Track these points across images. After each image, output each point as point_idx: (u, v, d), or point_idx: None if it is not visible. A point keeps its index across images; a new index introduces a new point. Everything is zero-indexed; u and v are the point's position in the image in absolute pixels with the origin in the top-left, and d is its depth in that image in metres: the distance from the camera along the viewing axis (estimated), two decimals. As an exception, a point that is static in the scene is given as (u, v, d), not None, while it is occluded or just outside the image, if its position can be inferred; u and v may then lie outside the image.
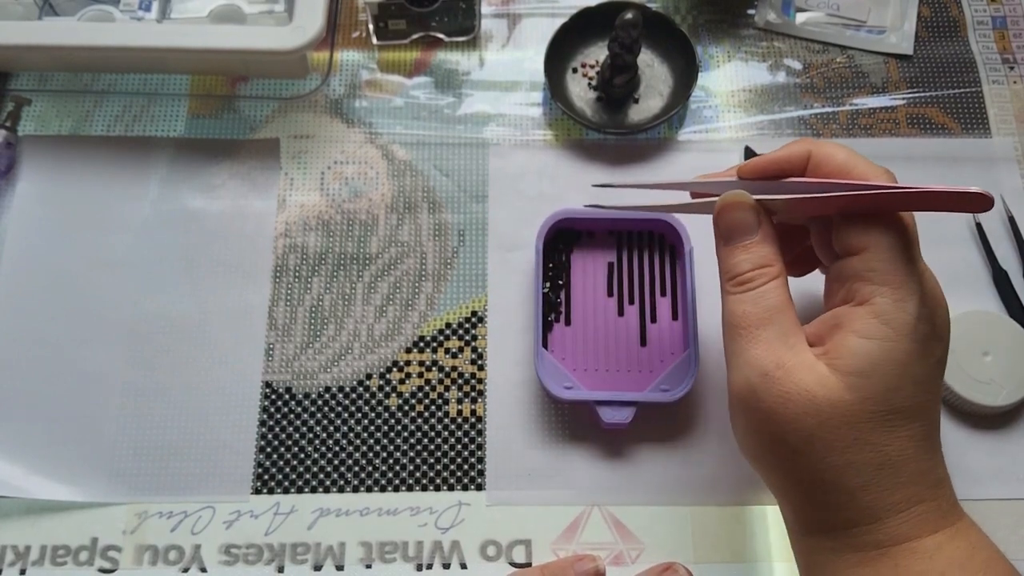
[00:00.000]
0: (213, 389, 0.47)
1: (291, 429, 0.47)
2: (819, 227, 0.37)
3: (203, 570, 0.44)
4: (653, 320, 0.48)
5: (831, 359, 0.33)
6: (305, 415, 0.47)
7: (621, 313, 0.48)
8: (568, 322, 0.48)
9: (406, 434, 0.47)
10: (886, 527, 0.33)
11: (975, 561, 0.32)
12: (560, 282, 0.48)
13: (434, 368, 0.48)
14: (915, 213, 0.34)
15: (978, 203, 0.32)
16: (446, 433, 0.47)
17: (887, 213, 0.34)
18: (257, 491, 0.46)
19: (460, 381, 0.48)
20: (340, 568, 0.44)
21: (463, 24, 0.55)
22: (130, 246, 0.51)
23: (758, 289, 0.35)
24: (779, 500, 0.37)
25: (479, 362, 0.48)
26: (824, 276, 0.41)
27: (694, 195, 0.40)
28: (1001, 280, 0.49)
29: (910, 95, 0.55)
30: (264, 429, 0.47)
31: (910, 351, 0.32)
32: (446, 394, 0.48)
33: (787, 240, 0.38)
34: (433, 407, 0.47)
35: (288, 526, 0.45)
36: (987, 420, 0.46)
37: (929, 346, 0.33)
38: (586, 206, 0.44)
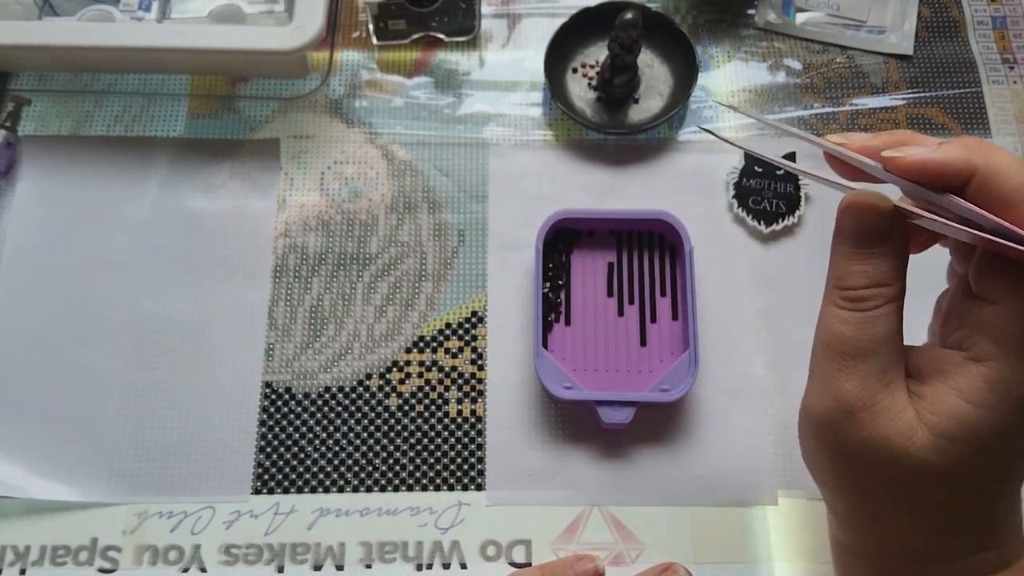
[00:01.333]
0: (213, 389, 0.47)
1: (291, 429, 0.47)
2: (964, 247, 0.33)
3: (203, 570, 0.44)
4: (653, 320, 0.48)
5: (925, 410, 0.30)
6: (305, 415, 0.47)
7: (621, 313, 0.48)
8: (568, 322, 0.48)
9: (406, 434, 0.47)
10: (942, 569, 0.32)
11: None
12: (560, 282, 0.48)
13: (434, 368, 0.48)
14: None
15: None
16: (446, 433, 0.47)
17: None
18: (257, 491, 0.46)
19: (460, 381, 0.48)
20: (340, 568, 0.44)
21: (463, 24, 0.55)
22: (130, 246, 0.51)
23: (869, 312, 0.30)
24: (831, 514, 0.36)
25: (479, 362, 0.48)
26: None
27: (828, 161, 0.33)
28: (1001, 280, 0.49)
29: (910, 95, 0.55)
30: (264, 429, 0.47)
31: (1016, 425, 0.29)
32: (446, 394, 0.48)
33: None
34: (433, 407, 0.47)
35: (288, 526, 0.45)
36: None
37: None
38: (701, 128, 0.41)
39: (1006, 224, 0.27)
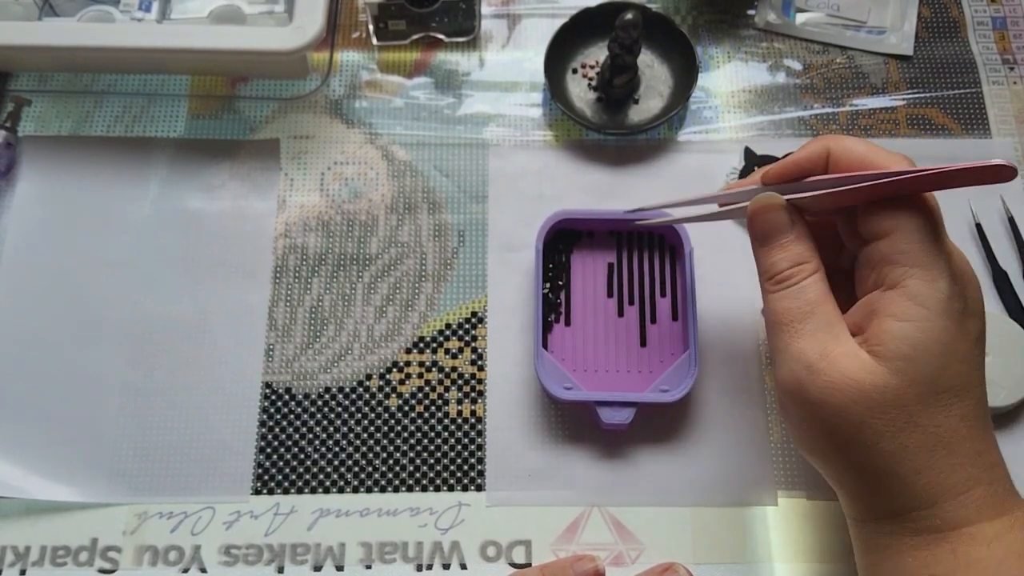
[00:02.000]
0: (213, 389, 0.47)
1: (291, 429, 0.47)
2: (844, 215, 0.37)
3: (203, 571, 0.44)
4: (653, 320, 0.48)
5: (872, 346, 0.33)
6: (305, 415, 0.47)
7: (621, 314, 0.48)
8: (568, 322, 0.48)
9: (406, 434, 0.47)
10: (943, 511, 0.33)
11: None
12: (560, 283, 0.48)
13: (434, 368, 0.48)
14: (937, 195, 0.35)
15: (999, 174, 0.32)
16: (446, 434, 0.47)
17: (911, 195, 0.34)
18: (257, 491, 0.46)
19: (460, 382, 0.48)
20: (340, 569, 0.44)
21: (463, 24, 0.55)
22: (130, 246, 0.51)
23: (798, 285, 0.35)
24: (836, 489, 0.37)
25: (479, 362, 0.48)
26: None
27: (722, 205, 0.41)
28: (1001, 280, 0.49)
29: (910, 96, 0.55)
30: (264, 429, 0.47)
31: (948, 329, 0.32)
32: (446, 395, 0.48)
33: (827, 246, 0.38)
34: (433, 407, 0.47)
35: (288, 527, 0.45)
36: (987, 421, 0.46)
37: (965, 323, 0.33)
38: (627, 212, 0.46)
39: (866, 173, 0.34)
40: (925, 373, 0.32)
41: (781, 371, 0.35)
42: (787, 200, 0.37)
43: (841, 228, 0.38)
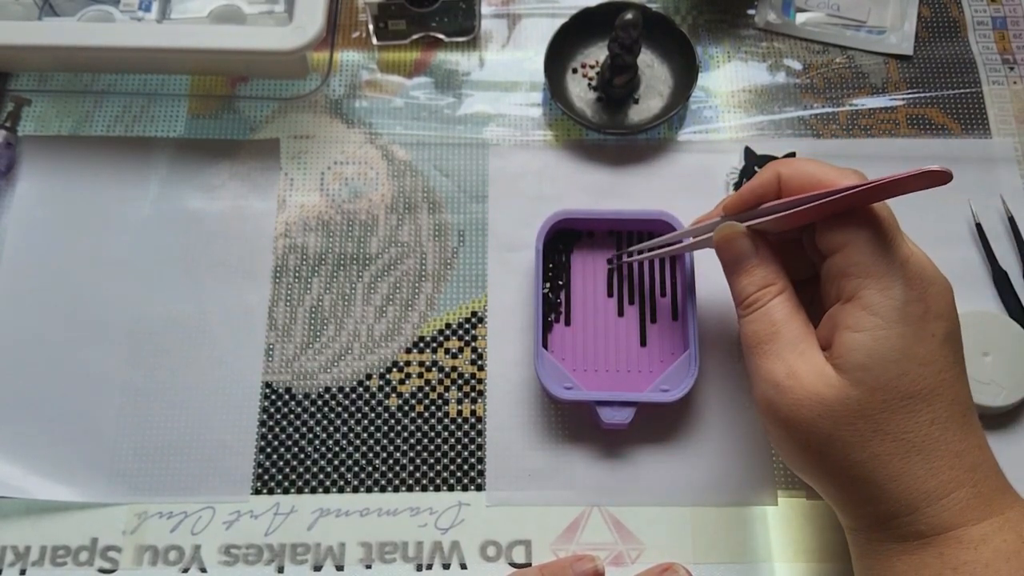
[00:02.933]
0: (213, 389, 0.47)
1: (291, 429, 0.47)
2: (806, 232, 0.38)
3: (203, 570, 0.44)
4: (653, 320, 0.48)
5: (835, 359, 0.34)
6: (305, 415, 0.47)
7: (621, 313, 0.48)
8: (568, 322, 0.48)
9: (406, 434, 0.47)
10: (926, 516, 0.33)
11: None
12: (560, 282, 0.48)
13: (434, 368, 0.48)
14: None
15: (937, 178, 0.32)
16: (446, 433, 0.47)
17: (860, 208, 0.35)
18: (257, 491, 0.46)
19: (460, 381, 0.48)
20: (340, 568, 0.44)
21: (463, 24, 0.55)
22: (130, 246, 0.51)
23: (764, 307, 0.37)
24: (826, 499, 0.37)
25: (479, 362, 0.48)
26: None
27: (695, 237, 0.43)
28: (1001, 280, 0.49)
29: (910, 95, 0.55)
30: (264, 429, 0.47)
31: (904, 335, 0.33)
32: (446, 394, 0.48)
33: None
34: (433, 407, 0.47)
35: (288, 526, 0.45)
36: (987, 421, 0.46)
37: (926, 326, 0.33)
38: (626, 259, 0.48)
39: (815, 192, 0.35)
40: (884, 381, 0.33)
41: (755, 392, 0.37)
42: (748, 227, 0.38)
43: (806, 244, 0.39)
